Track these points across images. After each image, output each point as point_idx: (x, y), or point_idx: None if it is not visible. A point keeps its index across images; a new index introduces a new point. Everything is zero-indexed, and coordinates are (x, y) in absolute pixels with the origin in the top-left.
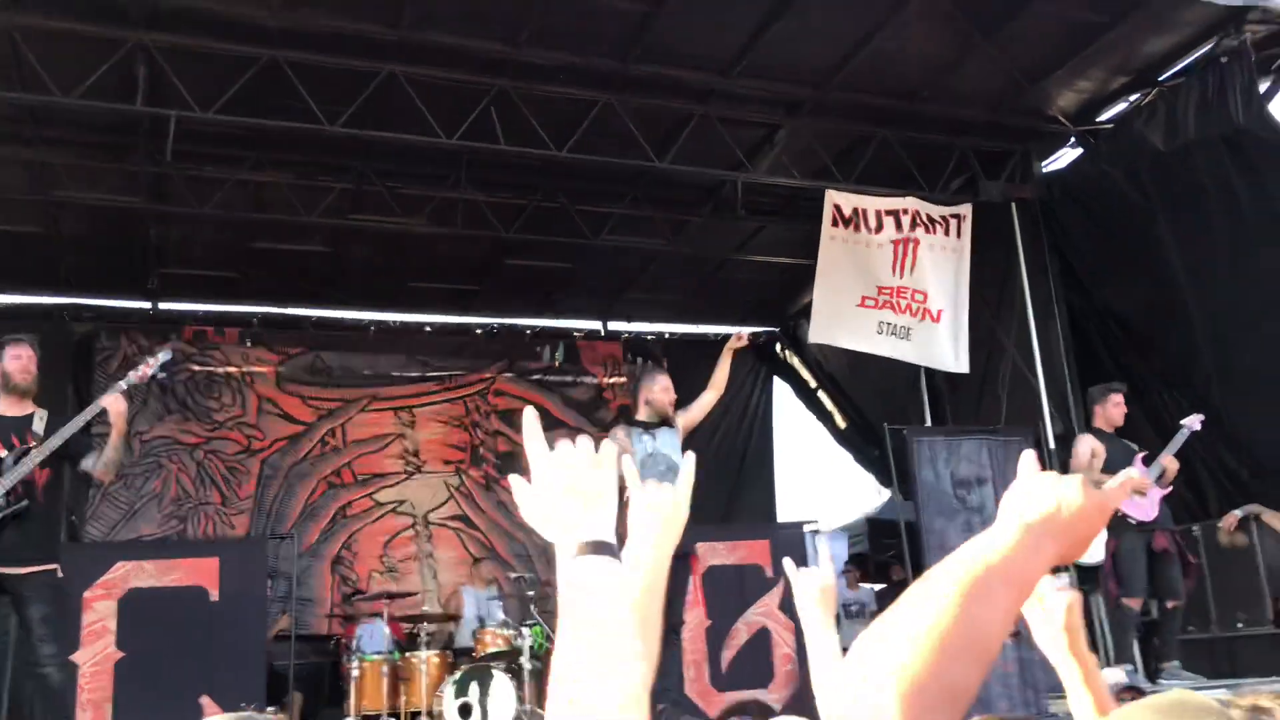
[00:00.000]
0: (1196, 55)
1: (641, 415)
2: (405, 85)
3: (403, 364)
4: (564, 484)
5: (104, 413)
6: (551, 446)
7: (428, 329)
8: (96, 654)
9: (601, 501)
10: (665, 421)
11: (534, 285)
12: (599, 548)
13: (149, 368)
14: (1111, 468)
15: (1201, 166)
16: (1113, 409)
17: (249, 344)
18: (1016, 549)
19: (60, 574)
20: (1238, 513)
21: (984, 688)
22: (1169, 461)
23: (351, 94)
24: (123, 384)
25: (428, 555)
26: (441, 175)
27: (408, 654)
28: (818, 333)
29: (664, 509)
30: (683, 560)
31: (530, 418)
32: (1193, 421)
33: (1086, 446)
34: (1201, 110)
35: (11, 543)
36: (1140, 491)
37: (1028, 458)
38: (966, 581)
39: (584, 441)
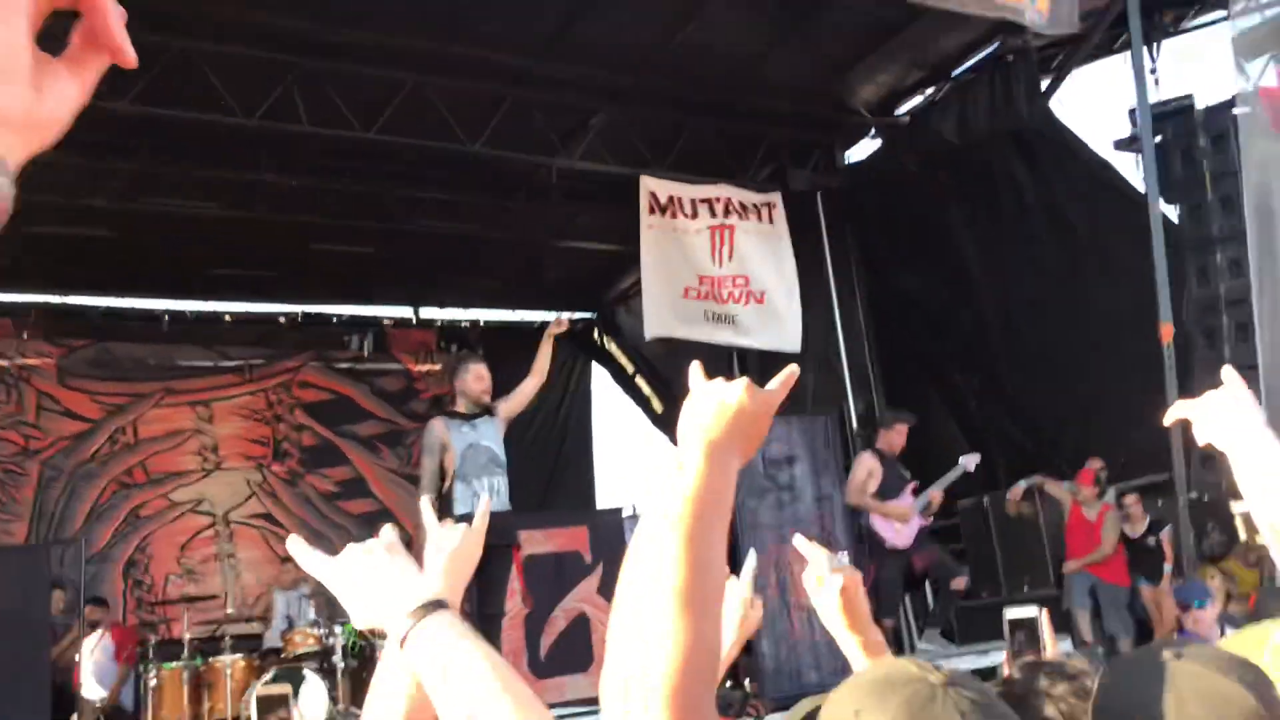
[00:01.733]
0: (986, 53)
1: (459, 406)
2: (200, 62)
3: (200, 355)
4: (366, 577)
5: None
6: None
7: (227, 318)
8: None
9: (405, 572)
10: (486, 411)
11: (341, 271)
12: (430, 608)
13: None
14: (885, 491)
15: (991, 160)
16: (896, 436)
17: (25, 336)
18: (710, 471)
19: None
20: (1023, 484)
21: (794, 659)
22: (936, 495)
23: (140, 69)
24: None
25: (229, 555)
26: (240, 156)
27: (211, 659)
28: (653, 327)
29: (457, 548)
30: (504, 550)
31: (294, 544)
32: (969, 461)
33: (864, 467)
34: (990, 106)
35: None
36: (902, 519)
37: (694, 369)
38: (684, 530)
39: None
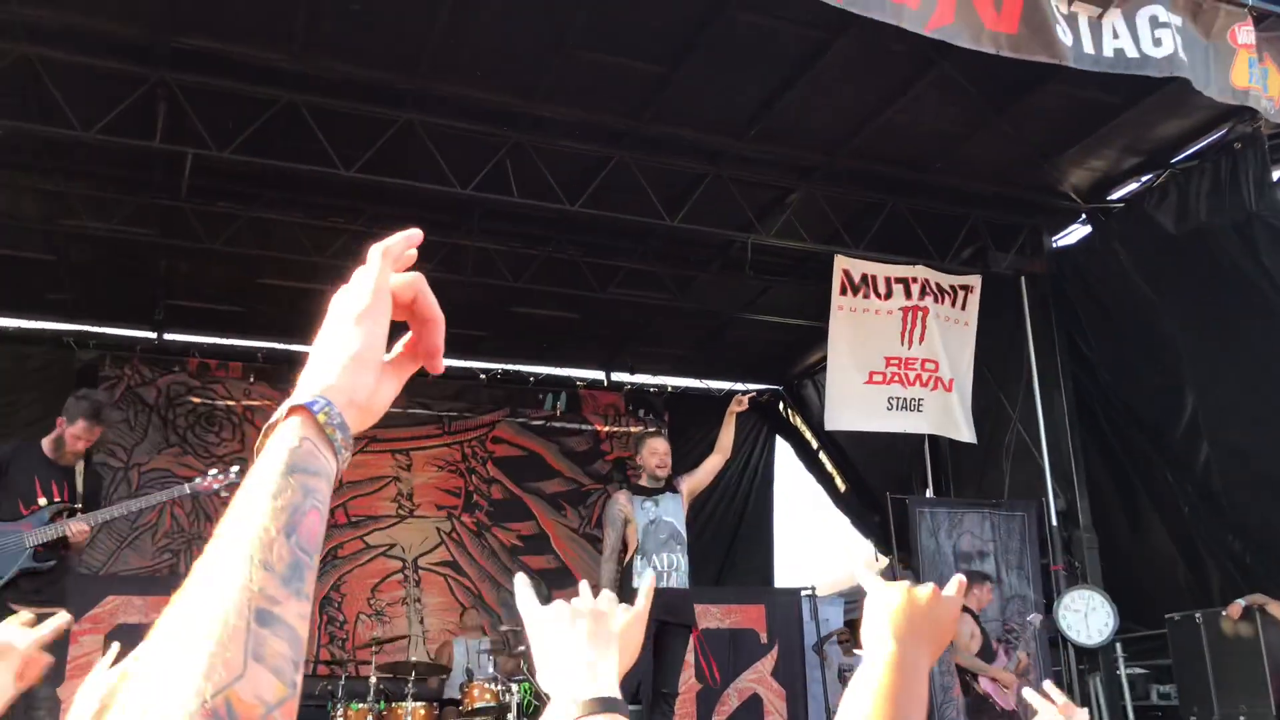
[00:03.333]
0: (1210, 139)
1: (642, 480)
2: (421, 133)
3: (403, 405)
4: (561, 642)
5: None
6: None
7: None
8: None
9: (607, 655)
10: (670, 486)
11: (539, 333)
12: (607, 704)
13: (216, 483)
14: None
15: (1210, 251)
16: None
17: (252, 379)
18: (901, 664)
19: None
20: (1242, 602)
21: None
22: (1024, 656)
23: (368, 139)
24: (187, 488)
25: (415, 600)
26: (453, 223)
27: (394, 704)
28: (832, 419)
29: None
30: (682, 630)
31: (520, 583)
32: (1034, 619)
33: (968, 628)
34: (1214, 194)
35: (30, 587)
36: (1009, 684)
37: (861, 568)
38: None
39: (585, 594)
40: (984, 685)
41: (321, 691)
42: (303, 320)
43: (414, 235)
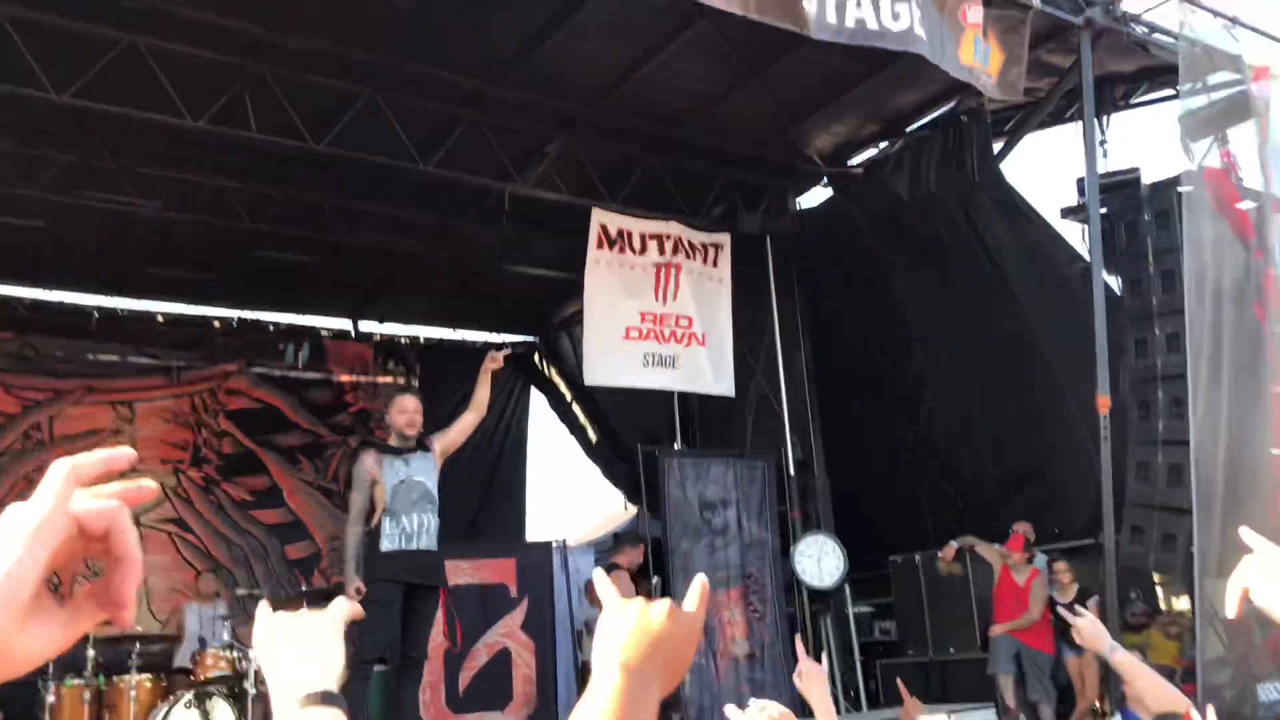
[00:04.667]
0: (941, 111)
1: (391, 440)
2: (148, 57)
3: (126, 354)
4: (289, 638)
5: None
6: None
7: (159, 318)
8: None
9: (327, 654)
10: (420, 445)
11: (280, 278)
12: (325, 698)
13: None
14: None
15: (938, 218)
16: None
17: None
18: (626, 699)
19: None
20: (954, 543)
21: (715, 708)
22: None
23: (87, 62)
24: None
25: None
26: (184, 156)
27: (114, 678)
28: (590, 374)
29: None
30: (430, 591)
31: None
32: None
33: (625, 586)
34: (942, 165)
35: None
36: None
37: (600, 577)
38: None
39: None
40: None
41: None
42: (9, 259)
43: (117, 456)
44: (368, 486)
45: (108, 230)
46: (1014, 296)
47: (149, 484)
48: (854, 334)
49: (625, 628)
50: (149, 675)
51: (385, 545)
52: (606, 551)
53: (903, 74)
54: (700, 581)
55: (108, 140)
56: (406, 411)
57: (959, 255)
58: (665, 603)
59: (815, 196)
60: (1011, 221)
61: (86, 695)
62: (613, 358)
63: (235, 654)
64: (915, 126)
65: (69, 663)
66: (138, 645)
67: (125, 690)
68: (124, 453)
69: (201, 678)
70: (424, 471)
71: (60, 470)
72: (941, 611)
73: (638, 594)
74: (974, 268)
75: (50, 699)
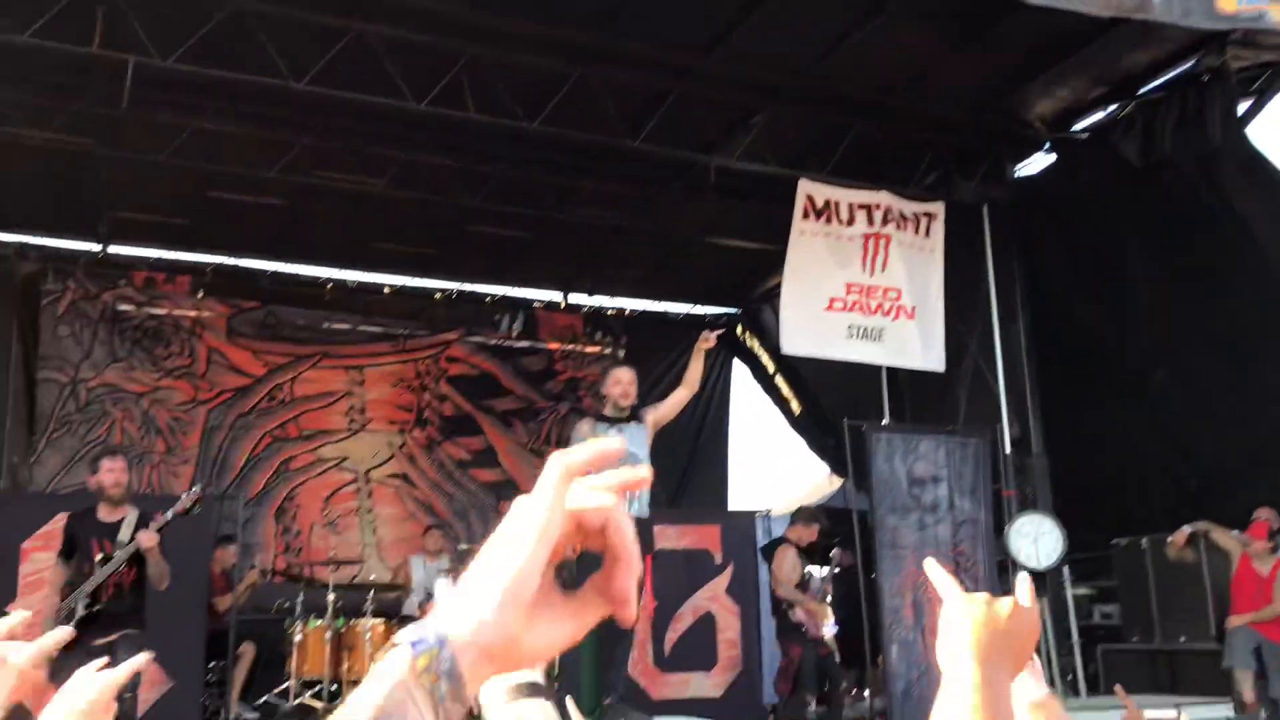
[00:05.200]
0: (1178, 71)
1: (606, 410)
2: (375, 46)
3: (357, 323)
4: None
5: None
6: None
7: (385, 289)
8: (34, 605)
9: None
10: (634, 417)
11: (496, 252)
12: (533, 690)
13: (183, 507)
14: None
15: (1174, 185)
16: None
17: (200, 294)
18: (985, 687)
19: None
20: (1188, 528)
21: (924, 684)
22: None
23: (319, 50)
24: (154, 525)
25: (367, 511)
26: (407, 137)
27: (352, 621)
28: (788, 343)
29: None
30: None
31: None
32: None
33: (790, 561)
34: (1179, 128)
35: (104, 624)
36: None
37: (931, 565)
38: None
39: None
40: (799, 614)
41: (279, 609)
42: (253, 234)
43: (608, 451)
44: None
45: (340, 207)
46: (1261, 269)
47: (645, 471)
48: (1077, 306)
49: (976, 620)
50: (382, 620)
51: None
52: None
53: (1134, 32)
54: (1026, 579)
55: (339, 123)
56: (621, 383)
57: (1198, 223)
58: (1008, 600)
59: (1036, 164)
60: (1259, 188)
61: (328, 635)
62: (814, 328)
63: None
64: (1148, 88)
65: (313, 605)
66: (372, 592)
67: (362, 633)
68: (613, 445)
69: None
70: (636, 442)
71: (556, 467)
72: (1171, 598)
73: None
74: (1216, 236)
75: (297, 637)
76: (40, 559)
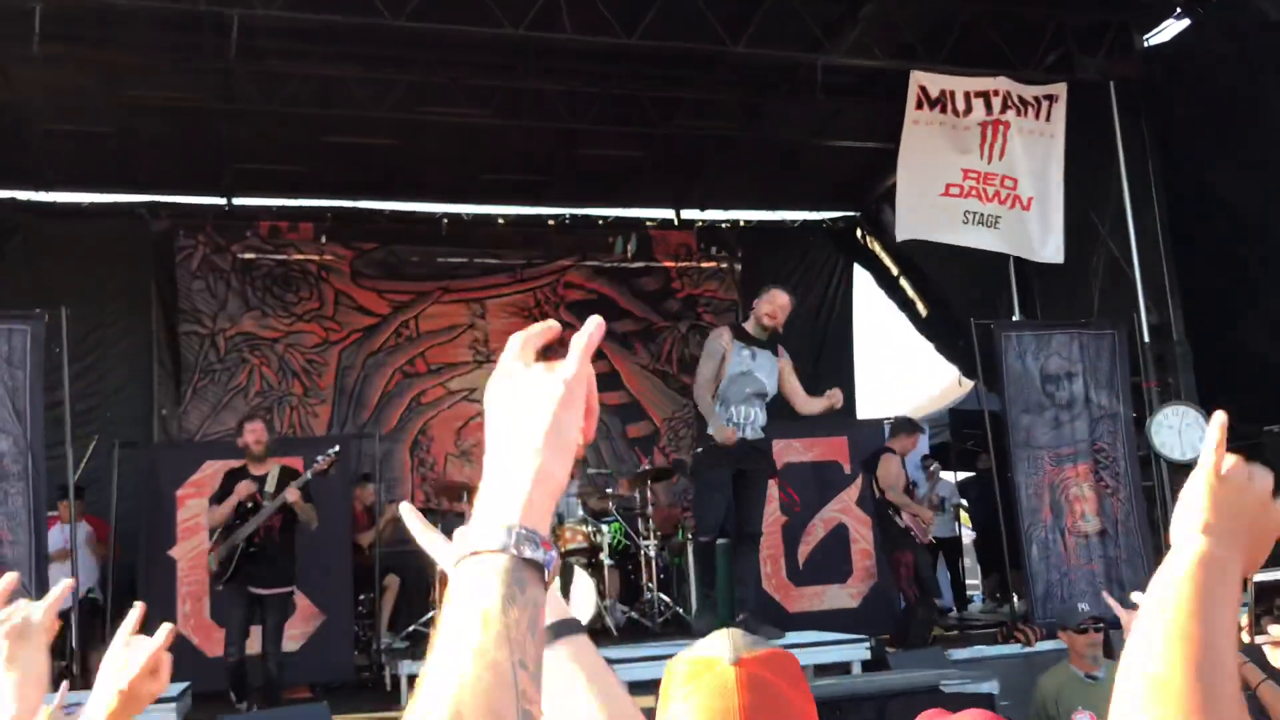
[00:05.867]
0: None
1: (750, 328)
2: None
3: (474, 256)
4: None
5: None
6: None
7: (500, 220)
8: (191, 550)
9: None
10: (773, 346)
11: (605, 174)
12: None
13: (321, 468)
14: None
15: None
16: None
17: (323, 239)
18: (1206, 566)
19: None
20: None
21: (1066, 585)
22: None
23: None
24: (296, 483)
25: None
26: (508, 65)
27: None
28: (903, 228)
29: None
30: (761, 476)
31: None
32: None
33: (895, 468)
34: None
35: (261, 571)
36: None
37: (1218, 419)
38: (1178, 627)
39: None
40: (906, 519)
41: None
42: (368, 175)
43: (548, 328)
44: (718, 360)
45: (448, 142)
46: None
47: (595, 319)
48: (1217, 183)
49: (1215, 487)
50: None
51: (707, 428)
52: (937, 429)
53: None
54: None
55: (440, 56)
56: (775, 304)
57: None
58: (1267, 476)
59: (1167, 32)
60: None
61: None
62: (929, 212)
63: (589, 528)
64: None
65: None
66: None
67: None
68: (550, 325)
69: (563, 549)
70: (765, 370)
71: (518, 342)
72: None
73: None
74: None
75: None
76: (194, 505)
